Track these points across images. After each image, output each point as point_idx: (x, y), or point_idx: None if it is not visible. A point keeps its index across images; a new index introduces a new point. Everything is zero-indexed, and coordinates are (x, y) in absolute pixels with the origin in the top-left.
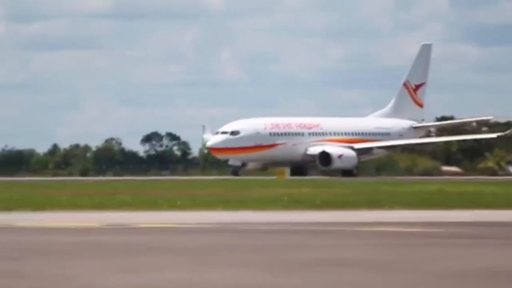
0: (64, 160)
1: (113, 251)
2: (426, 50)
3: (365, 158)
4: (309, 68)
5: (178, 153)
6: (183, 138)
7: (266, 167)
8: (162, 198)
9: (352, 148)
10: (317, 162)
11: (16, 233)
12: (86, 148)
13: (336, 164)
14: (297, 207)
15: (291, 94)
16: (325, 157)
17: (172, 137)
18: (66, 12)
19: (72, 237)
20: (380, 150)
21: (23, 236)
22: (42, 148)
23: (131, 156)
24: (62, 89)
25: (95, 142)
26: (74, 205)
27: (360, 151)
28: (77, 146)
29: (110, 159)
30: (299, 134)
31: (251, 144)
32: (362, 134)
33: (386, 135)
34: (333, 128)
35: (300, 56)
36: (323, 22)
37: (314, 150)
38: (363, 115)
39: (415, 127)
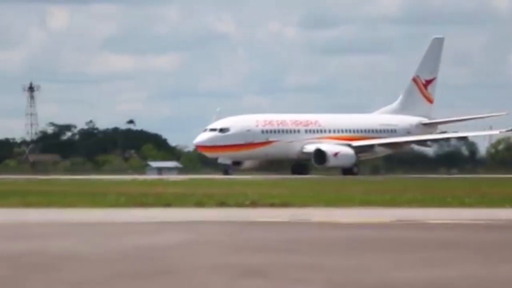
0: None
1: (404, 246)
2: (437, 44)
3: (367, 156)
4: None
5: (466, 152)
6: (470, 138)
7: (264, 165)
8: (451, 195)
9: (349, 145)
10: (312, 160)
11: (312, 228)
12: None
13: (331, 162)
14: None
15: None
16: (320, 155)
17: (460, 137)
18: (358, 18)
19: (364, 232)
20: (383, 148)
21: (319, 231)
22: None
23: (421, 156)
24: (353, 91)
25: None
26: (365, 201)
27: (359, 149)
28: None
29: (400, 158)
30: (294, 131)
31: (241, 141)
32: (365, 131)
33: (392, 132)
34: (332, 125)
35: None
36: None
37: (310, 147)
38: None
39: (424, 124)
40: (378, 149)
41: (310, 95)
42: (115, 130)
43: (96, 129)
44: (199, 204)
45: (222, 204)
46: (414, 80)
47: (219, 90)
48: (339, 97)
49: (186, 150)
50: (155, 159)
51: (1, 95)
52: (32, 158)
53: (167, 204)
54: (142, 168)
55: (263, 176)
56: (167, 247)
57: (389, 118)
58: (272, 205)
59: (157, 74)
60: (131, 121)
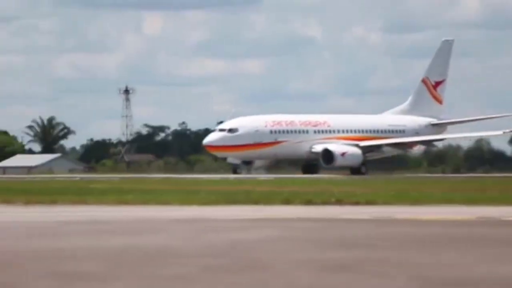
0: (438, 158)
1: (484, 242)
2: (447, 46)
3: (374, 156)
4: None
5: None
6: None
7: (275, 165)
8: None
9: (357, 145)
10: (320, 160)
11: (396, 225)
12: (458, 147)
13: (339, 162)
14: None
15: None
16: (327, 155)
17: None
18: (441, 22)
19: (446, 229)
20: (391, 148)
21: (402, 228)
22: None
23: (499, 155)
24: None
25: (469, 142)
26: (447, 199)
27: (366, 149)
28: (450, 145)
29: (480, 158)
30: (303, 131)
31: (250, 141)
32: (373, 131)
33: (401, 132)
34: (341, 126)
35: None
36: None
37: (319, 147)
38: None
39: (433, 125)
40: (385, 149)
41: (393, 97)
42: (207, 131)
43: (189, 130)
44: (287, 201)
45: (308, 202)
46: (424, 81)
47: (306, 92)
48: None
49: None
50: None
51: (99, 97)
52: (127, 158)
53: (256, 201)
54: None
55: (344, 175)
56: (256, 242)
57: (398, 119)
58: (356, 203)
59: (246, 77)
60: (221, 123)
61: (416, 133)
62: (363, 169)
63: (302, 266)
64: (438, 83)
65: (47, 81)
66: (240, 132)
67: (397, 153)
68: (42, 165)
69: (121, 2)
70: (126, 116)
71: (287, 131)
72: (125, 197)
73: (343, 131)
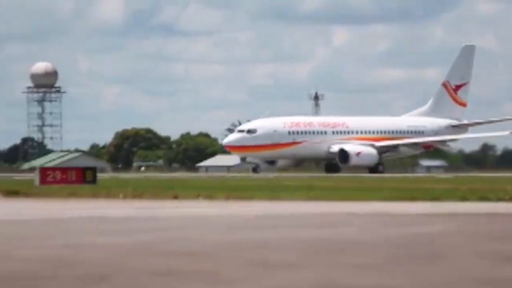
0: None
1: None
2: (468, 51)
3: (391, 156)
4: None
5: None
6: None
7: (299, 164)
8: None
9: (373, 145)
10: (337, 160)
11: None
12: None
13: (354, 161)
14: None
15: None
16: (343, 154)
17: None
18: None
19: None
20: (407, 148)
21: None
22: None
23: None
24: None
25: None
26: None
27: (382, 149)
28: None
29: None
30: (321, 132)
31: (268, 142)
32: (392, 132)
33: (419, 133)
34: (359, 127)
35: None
36: None
37: (336, 148)
38: None
39: (453, 126)
40: (402, 149)
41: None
42: None
43: None
44: (463, 198)
45: (483, 198)
46: (444, 85)
47: (477, 97)
48: None
49: (452, 151)
50: (424, 158)
51: (291, 103)
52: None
53: (435, 198)
54: (413, 167)
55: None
56: (435, 235)
57: (417, 120)
58: None
59: (423, 85)
60: None
61: (436, 134)
62: (380, 168)
63: (479, 257)
64: (459, 87)
65: (245, 88)
66: (258, 133)
67: (414, 153)
68: (240, 164)
69: (311, 16)
70: None
71: (305, 132)
72: (314, 194)
73: (361, 132)
